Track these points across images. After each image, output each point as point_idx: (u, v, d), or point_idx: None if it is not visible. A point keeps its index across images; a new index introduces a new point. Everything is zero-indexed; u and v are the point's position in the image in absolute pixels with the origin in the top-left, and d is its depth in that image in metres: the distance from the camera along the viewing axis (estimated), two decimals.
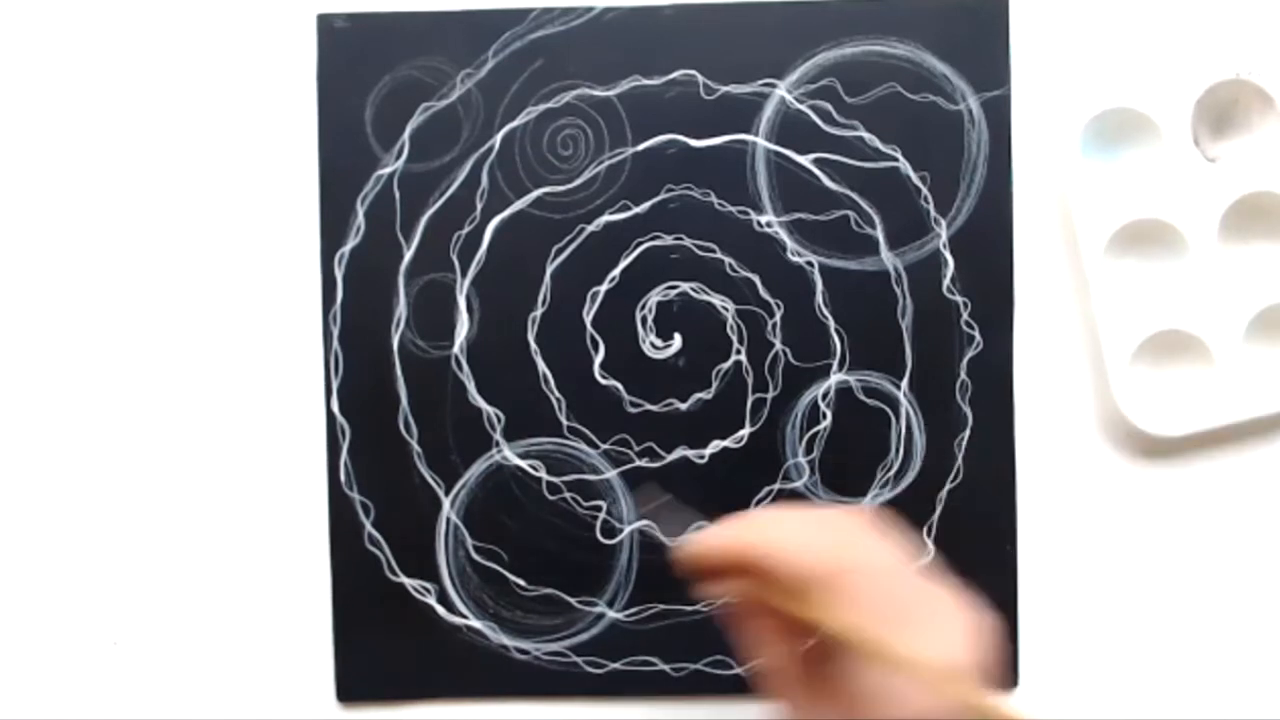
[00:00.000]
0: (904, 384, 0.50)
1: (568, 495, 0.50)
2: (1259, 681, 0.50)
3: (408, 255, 0.50)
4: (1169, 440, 0.49)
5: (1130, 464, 0.50)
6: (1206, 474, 0.50)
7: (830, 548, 0.36)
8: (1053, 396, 0.50)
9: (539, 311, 0.50)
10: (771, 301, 0.50)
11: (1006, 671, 0.50)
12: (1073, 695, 0.50)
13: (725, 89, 0.50)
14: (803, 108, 0.50)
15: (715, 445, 0.50)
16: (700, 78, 0.50)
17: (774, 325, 0.50)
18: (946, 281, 0.50)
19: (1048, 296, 0.50)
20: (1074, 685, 0.50)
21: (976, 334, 0.50)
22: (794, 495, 0.50)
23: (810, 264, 0.50)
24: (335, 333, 0.50)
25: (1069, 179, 0.49)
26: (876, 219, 0.50)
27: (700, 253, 0.50)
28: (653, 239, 0.50)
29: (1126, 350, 0.49)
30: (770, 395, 0.50)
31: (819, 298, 0.50)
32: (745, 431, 0.50)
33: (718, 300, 0.50)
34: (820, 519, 0.38)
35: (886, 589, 0.36)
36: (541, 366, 0.50)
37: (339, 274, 0.50)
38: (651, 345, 0.50)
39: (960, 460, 0.50)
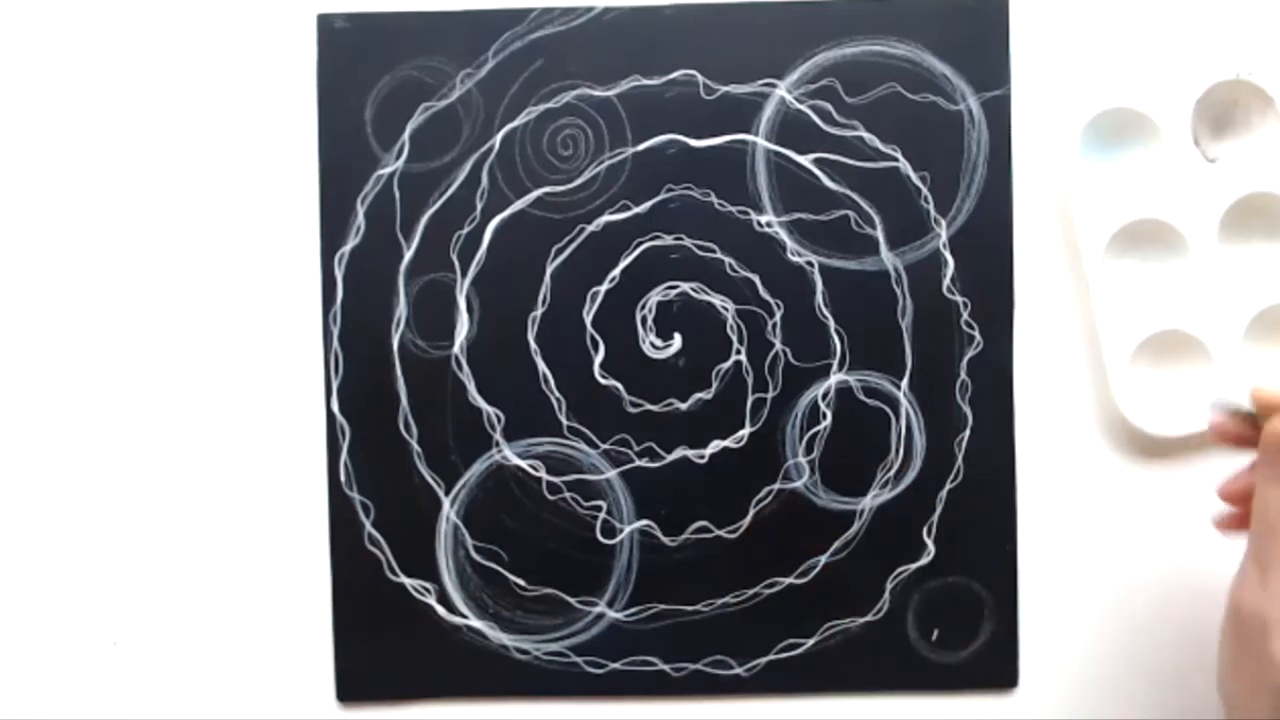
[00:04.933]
0: (904, 384, 0.50)
1: (568, 495, 0.50)
2: None
3: (408, 255, 0.50)
4: (1169, 440, 0.49)
5: (1130, 464, 0.50)
6: (1206, 474, 0.50)
7: None
8: (1053, 396, 0.50)
9: (539, 311, 0.50)
10: (771, 301, 0.50)
11: (1006, 671, 0.50)
12: (1073, 695, 0.50)
13: (725, 89, 0.50)
14: (803, 108, 0.50)
15: (715, 445, 0.50)
16: (700, 78, 0.50)
17: (774, 325, 0.50)
18: (946, 281, 0.50)
19: (1048, 296, 0.50)
20: (1074, 685, 0.50)
21: (976, 334, 0.50)
22: (794, 495, 0.50)
23: (810, 264, 0.50)
24: (335, 333, 0.50)
25: (1069, 179, 0.49)
26: (876, 219, 0.50)
27: (700, 253, 0.50)
28: (653, 239, 0.50)
29: (1126, 350, 0.49)
30: (770, 395, 0.50)
31: (819, 298, 0.50)
32: (745, 431, 0.50)
33: (718, 300, 0.50)
34: None
35: None
36: (541, 366, 0.50)
37: (339, 274, 0.50)
38: (651, 345, 0.50)
39: (960, 460, 0.50)
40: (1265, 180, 0.49)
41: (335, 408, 0.50)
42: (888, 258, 0.50)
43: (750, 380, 0.50)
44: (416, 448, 0.50)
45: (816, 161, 0.50)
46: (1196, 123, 0.49)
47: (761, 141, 0.50)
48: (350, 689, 0.50)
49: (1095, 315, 0.49)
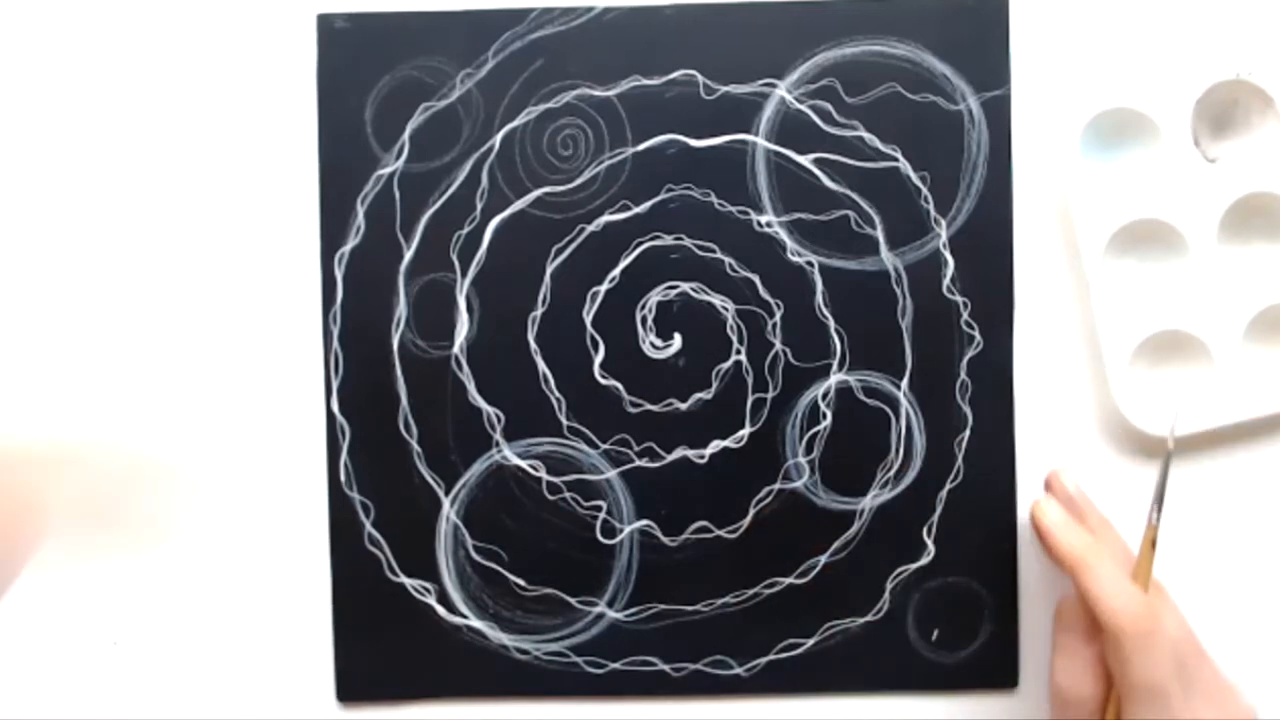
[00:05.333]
0: (904, 384, 0.50)
1: (568, 495, 0.50)
2: (1259, 681, 0.50)
3: (408, 255, 0.50)
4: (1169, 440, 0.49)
5: (1130, 464, 0.50)
6: (1206, 474, 0.50)
7: (1141, 607, 0.42)
8: (1053, 396, 0.50)
9: (539, 311, 0.50)
10: (771, 301, 0.50)
11: (1006, 671, 0.50)
12: None
13: (725, 89, 0.50)
14: (803, 108, 0.50)
15: (715, 445, 0.50)
16: (700, 78, 0.50)
17: (774, 325, 0.50)
18: (946, 281, 0.50)
19: (1048, 296, 0.50)
20: None
21: (976, 334, 0.50)
22: (794, 495, 0.50)
23: (810, 264, 0.50)
24: (335, 333, 0.50)
25: (1069, 179, 0.49)
26: (876, 219, 0.50)
27: (700, 253, 0.50)
28: (653, 239, 0.50)
29: (1126, 350, 0.49)
30: (770, 395, 0.50)
31: (819, 298, 0.50)
32: (745, 431, 0.50)
33: (718, 300, 0.50)
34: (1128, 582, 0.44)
35: (1180, 656, 0.43)
36: (541, 366, 0.50)
37: (339, 274, 0.50)
38: (651, 345, 0.50)
39: (960, 460, 0.50)
40: (1265, 180, 0.49)
41: (335, 408, 0.50)
42: (888, 258, 0.50)
43: (750, 380, 0.50)
44: (416, 448, 0.50)
45: (816, 161, 0.50)
46: (1196, 123, 0.49)
47: (761, 141, 0.50)
48: (350, 689, 0.50)
49: (1095, 315, 0.49)
